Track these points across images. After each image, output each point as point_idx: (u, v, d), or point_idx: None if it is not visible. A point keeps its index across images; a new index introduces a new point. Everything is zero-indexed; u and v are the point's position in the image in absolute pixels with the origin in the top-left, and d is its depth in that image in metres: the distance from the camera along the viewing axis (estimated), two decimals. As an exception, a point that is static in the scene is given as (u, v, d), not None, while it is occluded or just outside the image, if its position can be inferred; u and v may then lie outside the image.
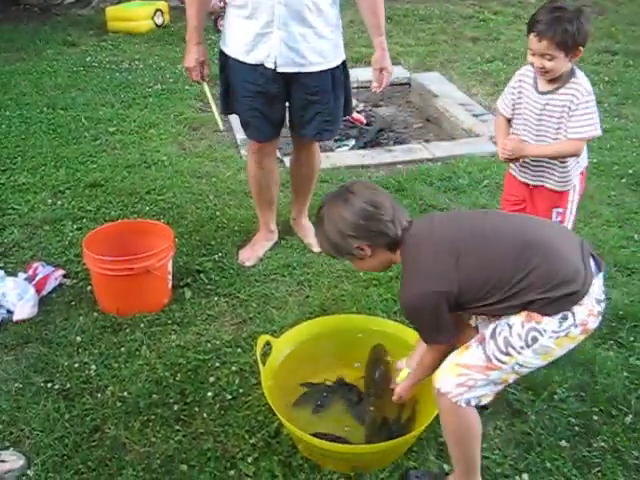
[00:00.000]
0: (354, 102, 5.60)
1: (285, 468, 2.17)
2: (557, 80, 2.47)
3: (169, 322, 2.85)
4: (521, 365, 1.85)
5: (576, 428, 2.37)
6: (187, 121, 4.86)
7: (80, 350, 2.68)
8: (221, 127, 3.40)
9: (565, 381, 2.56)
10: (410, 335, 2.41)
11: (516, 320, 1.83)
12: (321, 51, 2.91)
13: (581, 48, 2.41)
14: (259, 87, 2.95)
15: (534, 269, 1.79)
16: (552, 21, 2.34)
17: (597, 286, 1.87)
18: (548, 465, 2.21)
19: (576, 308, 1.80)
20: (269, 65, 2.88)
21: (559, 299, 1.78)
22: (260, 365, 2.28)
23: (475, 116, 5.26)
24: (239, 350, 2.70)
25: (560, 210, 2.66)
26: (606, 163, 4.47)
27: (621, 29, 7.79)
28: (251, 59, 2.90)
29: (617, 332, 2.85)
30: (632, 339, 2.82)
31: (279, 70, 2.89)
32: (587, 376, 2.60)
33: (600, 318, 1.89)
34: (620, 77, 6.16)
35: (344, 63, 3.09)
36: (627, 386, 2.56)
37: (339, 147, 4.93)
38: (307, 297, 3.05)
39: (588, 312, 1.83)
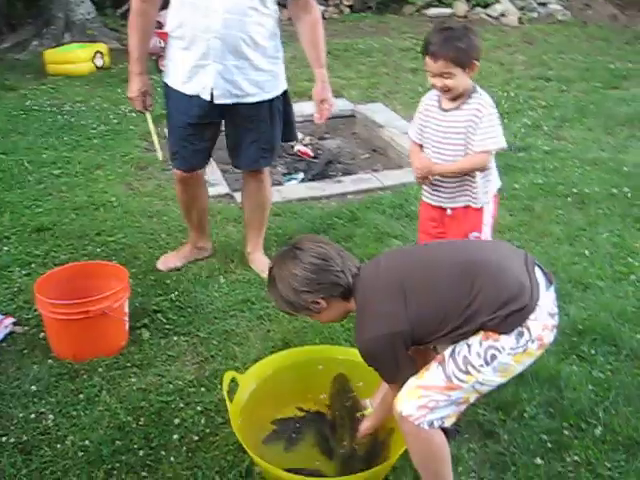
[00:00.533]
0: (300, 136, 5.66)
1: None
2: (460, 97, 2.53)
3: (128, 365, 2.75)
4: (482, 383, 1.86)
5: (548, 444, 2.38)
6: (134, 161, 4.78)
7: (36, 400, 2.55)
8: (160, 157, 3.42)
9: (533, 398, 2.57)
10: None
11: (474, 339, 1.84)
12: (257, 82, 2.96)
13: (476, 62, 2.49)
14: (191, 118, 3.00)
15: (479, 292, 1.81)
16: (443, 41, 2.43)
17: (549, 299, 1.89)
18: (525, 484, 2.21)
19: (531, 323, 1.81)
20: (205, 96, 2.92)
21: (509, 316, 1.79)
22: (227, 402, 2.21)
23: (421, 144, 5.33)
24: (203, 389, 2.62)
25: (476, 234, 2.67)
26: (551, 184, 4.58)
27: (552, 57, 8.09)
28: (188, 89, 2.95)
29: (578, 346, 2.89)
30: (593, 352, 2.86)
31: (216, 102, 2.93)
32: (554, 392, 2.62)
33: (555, 332, 1.91)
34: (556, 102, 6.37)
35: (285, 92, 3.13)
36: (593, 399, 2.59)
37: (288, 181, 4.93)
38: (268, 331, 2.99)
39: (542, 327, 1.84)
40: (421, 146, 2.69)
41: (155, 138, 3.36)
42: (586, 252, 3.68)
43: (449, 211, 2.70)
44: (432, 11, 10.16)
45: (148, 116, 3.27)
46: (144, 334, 2.92)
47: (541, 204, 4.30)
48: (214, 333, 2.96)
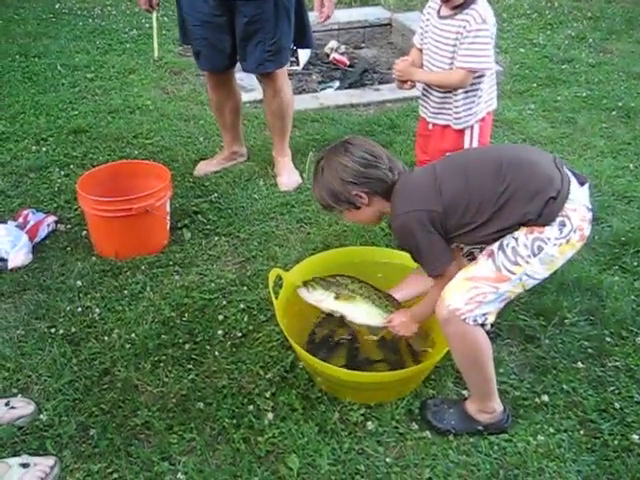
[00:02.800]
0: (335, 44, 5.52)
1: (304, 401, 2.15)
2: (458, 6, 2.38)
3: (170, 263, 2.78)
4: (529, 275, 1.86)
5: (589, 350, 2.38)
6: (167, 66, 4.70)
7: (81, 295, 2.61)
8: (156, 56, 3.43)
9: (574, 306, 2.56)
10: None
11: (520, 233, 1.84)
12: None
13: None
14: (205, 16, 2.94)
15: (512, 181, 1.83)
16: None
17: (583, 194, 1.87)
18: (565, 387, 2.22)
19: (570, 213, 1.82)
20: None
21: (547, 204, 1.80)
22: (273, 298, 2.23)
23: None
24: (244, 288, 2.65)
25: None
26: (595, 97, 4.44)
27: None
28: None
29: (620, 257, 2.86)
30: (636, 264, 2.83)
31: None
32: (595, 301, 2.60)
33: (590, 226, 1.89)
34: (602, 13, 6.09)
35: None
36: (635, 309, 2.58)
37: (323, 89, 4.84)
38: (308, 234, 3.00)
39: (581, 217, 1.84)
40: (421, 51, 2.57)
41: (155, 38, 3.35)
42: (630, 166, 3.60)
43: (430, 126, 2.62)
44: None
45: (154, 15, 3.27)
46: (185, 234, 2.94)
47: (584, 117, 4.17)
48: (254, 234, 2.97)
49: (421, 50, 2.57)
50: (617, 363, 2.33)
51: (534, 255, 1.83)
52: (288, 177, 3.34)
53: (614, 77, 4.76)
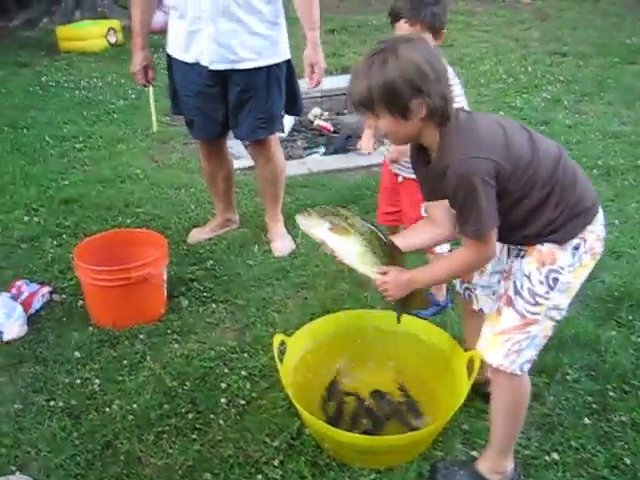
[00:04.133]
0: (318, 111, 5.65)
1: (313, 468, 2.11)
2: None
3: (169, 332, 2.76)
4: (553, 309, 1.85)
5: (593, 406, 2.38)
6: (155, 135, 4.76)
7: (79, 366, 2.56)
8: (155, 129, 3.44)
9: (575, 362, 2.57)
10: (426, 330, 2.41)
11: (531, 268, 1.83)
12: (254, 47, 2.90)
13: (443, 31, 2.45)
14: (199, 87, 2.98)
15: (565, 175, 1.79)
16: (421, 5, 2.37)
17: (602, 217, 1.89)
18: (573, 443, 2.21)
19: (588, 235, 1.82)
20: (204, 63, 2.90)
21: (578, 216, 1.79)
22: (278, 364, 2.21)
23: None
24: (245, 355, 2.63)
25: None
26: (575, 156, 4.54)
27: (566, 33, 8.05)
28: (188, 57, 2.93)
29: (616, 312, 2.89)
30: (631, 318, 2.86)
31: (211, 67, 2.90)
32: (595, 356, 2.62)
33: (603, 243, 1.89)
34: (574, 76, 6.34)
35: (288, 62, 3.07)
36: (634, 362, 2.60)
37: (309, 155, 4.92)
38: (306, 299, 3.00)
39: (597, 237, 1.85)
40: None
41: (153, 111, 3.38)
42: (616, 222, 3.68)
43: (400, 179, 2.69)
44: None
45: (150, 90, 3.29)
46: (182, 302, 2.93)
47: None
48: (252, 301, 2.96)
49: None
50: (622, 418, 2.33)
51: (552, 289, 1.82)
52: (282, 243, 3.37)
53: (591, 137, 4.91)
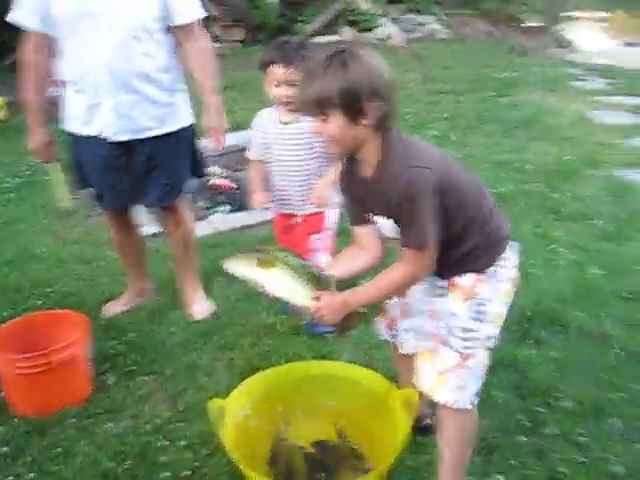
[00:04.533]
0: (216, 169, 5.68)
1: (268, 529, 2.09)
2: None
3: (99, 411, 2.66)
4: (487, 339, 1.94)
5: (525, 423, 2.50)
6: (57, 210, 4.63)
7: (9, 461, 2.42)
8: (67, 205, 3.38)
9: (501, 384, 2.69)
10: (359, 373, 2.45)
11: (458, 305, 1.91)
12: (155, 116, 2.92)
13: None
14: (103, 158, 2.96)
15: (487, 203, 1.92)
16: (291, 50, 2.58)
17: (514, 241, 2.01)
18: (513, 462, 2.32)
19: (505, 262, 1.92)
20: (105, 135, 2.89)
21: (496, 244, 1.90)
22: (218, 429, 2.19)
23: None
24: (182, 424, 2.58)
25: (317, 236, 2.89)
26: (468, 187, 4.82)
27: (442, 72, 8.57)
28: (90, 131, 2.91)
29: (530, 331, 3.06)
30: (544, 335, 3.04)
31: (114, 139, 2.90)
32: (518, 376, 2.76)
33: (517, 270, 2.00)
34: (456, 113, 6.72)
35: (191, 126, 3.11)
36: (555, 376, 2.76)
37: (213, 214, 4.93)
38: (232, 359, 2.98)
39: (512, 264, 1.95)
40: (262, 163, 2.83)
41: (60, 188, 3.32)
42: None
43: (299, 219, 2.87)
44: (319, 39, 10.46)
45: (53, 166, 3.27)
46: (109, 379, 2.85)
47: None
48: (179, 368, 2.92)
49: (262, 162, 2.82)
50: (553, 431, 2.46)
51: (481, 322, 1.91)
52: (200, 306, 3.35)
53: (480, 167, 5.18)
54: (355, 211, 2.00)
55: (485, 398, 2.56)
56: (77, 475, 2.35)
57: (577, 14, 19.82)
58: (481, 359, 1.96)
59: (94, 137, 2.91)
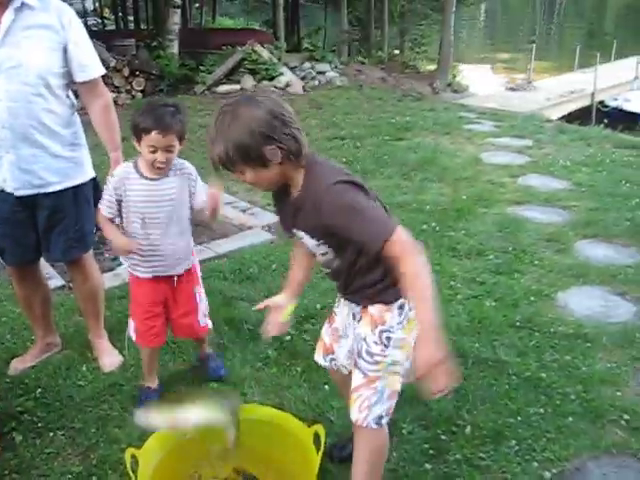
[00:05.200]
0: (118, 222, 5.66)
1: None
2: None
3: (6, 472, 2.60)
4: (392, 364, 2.08)
5: (430, 451, 2.64)
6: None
7: None
8: None
9: (406, 416, 2.83)
10: (271, 414, 2.53)
11: (366, 331, 2.08)
12: (58, 170, 2.94)
13: (186, 136, 2.71)
14: (6, 213, 2.95)
15: None
16: (170, 115, 2.58)
17: None
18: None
19: (398, 301, 2.04)
20: (8, 190, 2.90)
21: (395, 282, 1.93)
22: (132, 476, 2.21)
23: (243, 211, 5.60)
24: (94, 478, 2.57)
25: (198, 288, 3.03)
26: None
27: (341, 118, 8.87)
28: None
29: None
30: (445, 366, 3.20)
31: (17, 194, 2.90)
32: (421, 407, 2.90)
33: None
34: (354, 157, 6.99)
35: (94, 179, 3.13)
36: (456, 405, 2.92)
37: (119, 265, 4.90)
38: (144, 409, 2.98)
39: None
40: (112, 220, 2.78)
41: None
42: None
43: (175, 279, 2.91)
44: (222, 88, 10.65)
45: None
46: (16, 437, 2.78)
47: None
48: (90, 421, 2.89)
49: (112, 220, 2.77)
50: (456, 456, 2.61)
51: (386, 347, 2.06)
52: (109, 358, 3.34)
53: (380, 209, 5.42)
54: (284, 225, 2.14)
55: (392, 432, 2.72)
56: (-15, 540, 2.29)
57: (468, 61, 21.09)
58: (389, 383, 2.09)
59: None
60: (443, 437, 2.72)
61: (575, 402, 2.96)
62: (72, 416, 2.93)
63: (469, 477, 2.51)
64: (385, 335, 2.06)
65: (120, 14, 21.99)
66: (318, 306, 3.78)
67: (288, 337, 3.46)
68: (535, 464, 2.60)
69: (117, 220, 2.79)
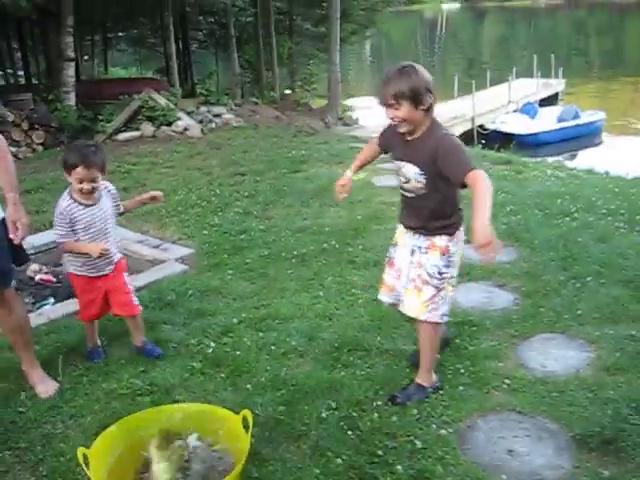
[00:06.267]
0: (37, 266, 5.84)
1: None
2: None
3: (-40, 492, 2.83)
4: (451, 277, 3.15)
5: (345, 427, 3.06)
6: None
7: None
8: None
9: (324, 404, 3.24)
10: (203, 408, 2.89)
11: (436, 258, 3.09)
12: None
13: (106, 168, 3.54)
14: None
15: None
16: (93, 154, 3.41)
17: None
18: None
19: (461, 229, 3.15)
20: None
21: (459, 219, 3.15)
22: (90, 474, 2.50)
23: (155, 247, 5.91)
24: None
25: (126, 273, 3.83)
26: (275, 252, 5.45)
27: (240, 156, 9.32)
28: None
29: (340, 358, 3.70)
30: (352, 359, 3.67)
31: None
32: (334, 395, 3.33)
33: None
34: (256, 190, 7.43)
35: (3, 220, 3.36)
36: (367, 389, 3.36)
37: (40, 307, 5.09)
38: (84, 424, 3.23)
39: (462, 233, 3.17)
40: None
41: None
42: (320, 293, 4.56)
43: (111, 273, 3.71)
44: (122, 135, 10.90)
45: None
46: (-35, 461, 3.00)
47: (272, 269, 5.12)
48: (35, 440, 3.12)
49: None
50: (368, 425, 3.06)
51: (448, 267, 3.11)
52: (45, 385, 3.55)
53: (283, 235, 5.87)
54: (385, 146, 3.29)
55: (311, 418, 3.13)
56: None
57: (358, 94, 22.15)
58: (448, 290, 3.15)
59: None
60: (354, 414, 3.15)
61: (464, 375, 3.47)
62: (17, 437, 3.16)
63: (380, 443, 2.94)
64: (449, 259, 3.09)
65: (9, 70, 21.73)
66: (235, 320, 4.17)
67: (210, 350, 3.83)
68: (434, 426, 3.07)
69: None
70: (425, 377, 3.30)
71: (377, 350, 3.75)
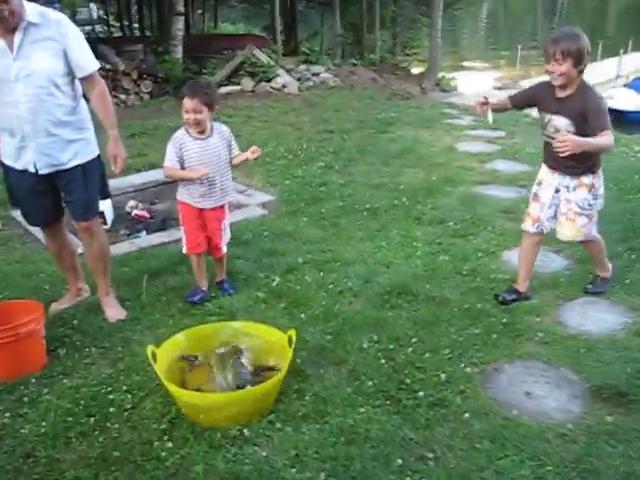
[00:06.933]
0: (134, 202, 6.45)
1: (192, 433, 2.89)
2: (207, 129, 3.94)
3: (55, 374, 3.38)
4: (598, 206, 3.83)
5: (382, 359, 3.41)
6: (-9, 240, 5.30)
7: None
8: None
9: (367, 336, 3.61)
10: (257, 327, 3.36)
11: (585, 193, 3.75)
12: (70, 151, 3.69)
13: (215, 106, 3.92)
14: (29, 186, 3.74)
15: None
16: (200, 87, 3.85)
17: None
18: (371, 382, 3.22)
19: (599, 171, 3.77)
20: (32, 170, 3.67)
21: (600, 159, 3.76)
22: (153, 364, 2.99)
23: (240, 192, 6.38)
24: (122, 377, 3.34)
25: (225, 221, 4.22)
26: (348, 205, 5.81)
27: (331, 115, 9.67)
28: (18, 165, 3.70)
29: (390, 300, 4.03)
30: (400, 302, 3.99)
31: (40, 172, 3.68)
32: (379, 329, 3.68)
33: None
34: (341, 147, 7.77)
35: (98, 157, 3.87)
36: (409, 327, 3.69)
37: (133, 239, 5.67)
38: (158, 334, 3.73)
39: (601, 171, 3.81)
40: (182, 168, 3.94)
41: None
42: (383, 244, 4.90)
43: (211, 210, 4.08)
44: (223, 89, 11.44)
45: None
46: (60, 352, 3.57)
47: (344, 220, 5.49)
48: (117, 342, 3.67)
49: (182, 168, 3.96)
50: (402, 358, 3.40)
51: (595, 199, 3.79)
52: (114, 310, 4.03)
53: (359, 190, 6.22)
54: (530, 100, 3.92)
55: (355, 345, 3.50)
56: (44, 414, 3.07)
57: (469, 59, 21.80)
58: (595, 216, 3.84)
59: (22, 170, 3.68)
60: (391, 347, 3.49)
61: (501, 325, 3.73)
62: (102, 339, 3.72)
63: (410, 374, 3.28)
64: (596, 193, 3.76)
65: (125, 22, 22.85)
66: (300, 260, 4.59)
67: (274, 283, 4.27)
68: (462, 365, 3.37)
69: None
70: (601, 269, 4.15)
71: (424, 296, 4.06)
